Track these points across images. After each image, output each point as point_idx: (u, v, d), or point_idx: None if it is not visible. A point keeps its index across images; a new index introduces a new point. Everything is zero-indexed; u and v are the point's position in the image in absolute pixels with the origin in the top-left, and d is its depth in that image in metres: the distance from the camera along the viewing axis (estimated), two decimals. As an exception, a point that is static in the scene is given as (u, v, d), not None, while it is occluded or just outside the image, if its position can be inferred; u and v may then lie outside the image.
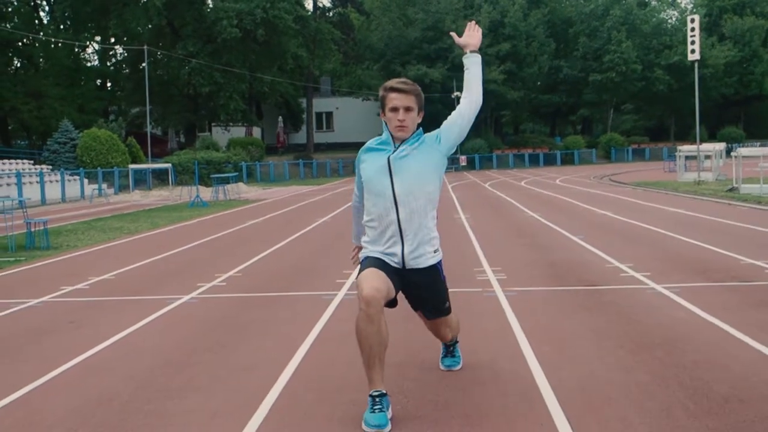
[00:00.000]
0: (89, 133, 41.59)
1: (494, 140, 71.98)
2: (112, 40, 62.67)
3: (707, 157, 32.97)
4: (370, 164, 4.42)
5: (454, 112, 4.49)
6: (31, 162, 39.80)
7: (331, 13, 72.18)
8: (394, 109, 4.31)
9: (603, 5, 74.77)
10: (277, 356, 5.50)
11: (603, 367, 4.98)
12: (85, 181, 36.96)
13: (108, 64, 65.65)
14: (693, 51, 28.64)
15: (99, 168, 38.16)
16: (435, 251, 4.46)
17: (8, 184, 30.95)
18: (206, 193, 31.37)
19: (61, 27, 59.58)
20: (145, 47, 49.01)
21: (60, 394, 4.82)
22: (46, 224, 14.25)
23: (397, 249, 4.35)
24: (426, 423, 4.08)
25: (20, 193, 28.74)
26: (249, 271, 10.03)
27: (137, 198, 34.16)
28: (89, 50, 66.59)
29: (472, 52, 4.51)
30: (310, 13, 65.67)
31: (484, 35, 52.45)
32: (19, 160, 39.18)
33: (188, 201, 27.56)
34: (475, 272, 9.11)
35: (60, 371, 5.34)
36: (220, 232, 15.92)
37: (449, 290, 4.72)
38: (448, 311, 4.72)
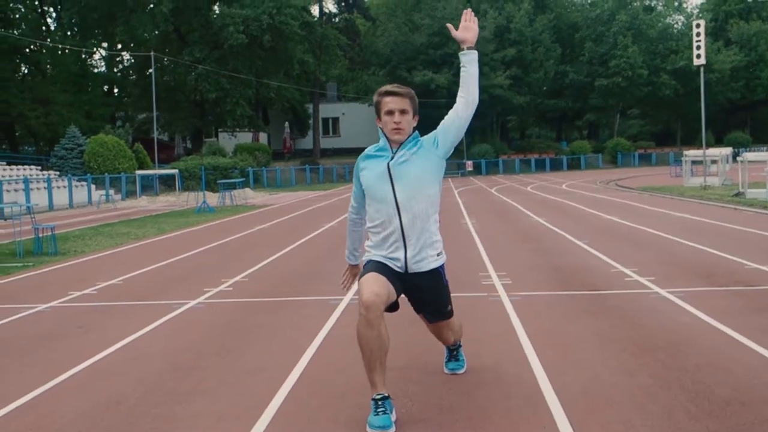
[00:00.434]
0: (96, 139, 41.72)
1: (500, 145, 72.03)
2: (119, 46, 62.95)
3: (713, 161, 32.95)
4: (369, 171, 4.44)
5: (450, 112, 4.49)
6: (39, 168, 39.99)
7: (337, 19, 72.30)
8: (390, 113, 4.34)
9: (609, 10, 74.77)
10: (283, 360, 5.55)
11: (606, 370, 5.02)
12: (93, 186, 37.09)
13: (115, 70, 65.86)
14: (699, 56, 28.64)
15: (106, 174, 38.30)
16: (438, 254, 4.49)
17: (16, 190, 31.08)
18: (213, 198, 31.47)
19: (68, 33, 59.79)
20: (152, 53, 49.16)
21: (68, 398, 4.87)
22: (53, 230, 14.33)
23: (400, 254, 4.38)
24: (430, 426, 4.12)
25: (28, 199, 28.85)
26: (255, 276, 10.09)
27: (144, 204, 34.26)
28: (96, 56, 66.91)
29: (469, 48, 4.48)
30: (316, 19, 65.86)
31: (489, 41, 52.51)
32: (26, 166, 39.38)
33: (195, 207, 27.65)
34: (481, 277, 9.14)
35: (68, 375, 5.39)
36: (226, 237, 15.99)
37: (453, 294, 4.76)
38: (450, 314, 4.74)
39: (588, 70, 73.52)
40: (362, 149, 4.68)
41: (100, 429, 4.28)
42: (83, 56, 59.45)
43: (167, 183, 43.39)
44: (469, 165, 62.43)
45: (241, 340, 6.33)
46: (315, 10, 68.52)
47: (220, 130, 65.64)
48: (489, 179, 51.97)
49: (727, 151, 37.26)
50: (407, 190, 4.33)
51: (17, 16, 57.46)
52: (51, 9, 61.62)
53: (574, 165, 68.99)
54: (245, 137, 64.53)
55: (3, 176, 32.87)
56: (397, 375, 4.84)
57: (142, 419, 4.41)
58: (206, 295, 8.54)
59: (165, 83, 57.89)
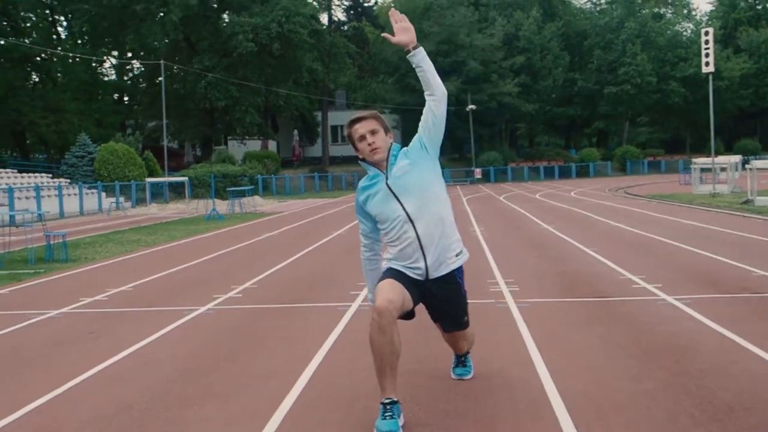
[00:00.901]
0: (107, 146, 41.94)
1: (509, 153, 72.10)
2: (129, 54, 63.28)
3: (722, 169, 32.91)
4: (372, 198, 4.47)
5: (426, 112, 4.47)
6: (50, 175, 40.26)
7: (345, 27, 72.58)
8: (362, 138, 4.41)
9: (618, 18, 74.86)
10: (292, 365, 5.61)
11: (611, 375, 5.06)
12: (103, 194, 37.30)
13: (125, 78, 66.21)
14: (707, 64, 28.62)
15: (116, 181, 38.50)
16: (457, 255, 4.54)
17: (27, 198, 31.29)
18: (222, 206, 31.58)
19: (79, 42, 60.15)
20: (162, 62, 49.42)
21: (79, 403, 4.94)
22: (64, 237, 14.44)
23: (421, 263, 4.43)
24: (437, 430, 4.17)
25: (39, 207, 29.06)
26: (264, 282, 10.15)
27: (154, 211, 34.40)
28: (106, 65, 67.30)
29: (414, 48, 4.45)
30: (325, 27, 66.10)
31: (497, 48, 52.45)
32: (37, 174, 39.66)
33: (204, 214, 27.76)
34: (489, 284, 9.18)
35: (79, 380, 5.46)
36: (236, 244, 16.07)
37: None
38: (466, 325, 4.80)
39: (597, 78, 73.58)
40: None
41: (111, 432, 4.35)
42: (94, 65, 59.86)
43: (177, 190, 43.58)
44: (478, 172, 62.50)
45: (251, 346, 6.40)
46: (324, 19, 68.91)
47: (229, 137, 65.86)
48: (497, 187, 51.98)
49: (736, 158, 37.22)
50: (414, 200, 4.38)
51: (28, 25, 57.85)
52: (62, 18, 62.02)
53: (583, 173, 68.99)
54: (254, 145, 64.72)
55: (14, 184, 33.09)
56: (404, 380, 4.89)
57: (152, 423, 4.48)
58: (216, 302, 8.61)
59: (175, 91, 58.15)
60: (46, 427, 4.49)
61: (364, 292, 8.63)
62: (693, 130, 77.75)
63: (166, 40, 58.30)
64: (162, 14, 55.22)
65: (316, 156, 71.27)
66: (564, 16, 78.41)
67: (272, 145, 67.83)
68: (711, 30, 29.68)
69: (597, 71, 73.81)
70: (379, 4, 79.04)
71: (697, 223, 17.17)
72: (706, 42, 28.88)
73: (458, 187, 53.55)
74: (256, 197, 39.14)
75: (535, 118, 74.91)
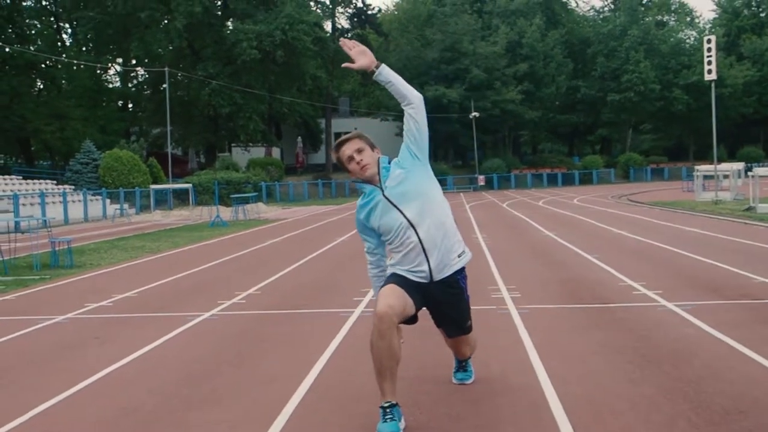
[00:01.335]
0: (111, 153, 42.06)
1: (512, 160, 72.09)
2: (134, 61, 63.57)
3: (725, 176, 32.93)
4: (373, 212, 4.55)
5: (407, 121, 4.54)
6: (54, 182, 40.37)
7: (349, 35, 72.67)
8: (350, 159, 4.51)
9: (621, 25, 74.88)
10: (295, 370, 5.67)
11: (611, 380, 5.12)
12: (107, 201, 37.42)
13: (129, 85, 66.48)
14: (710, 71, 28.69)
15: (121, 188, 38.63)
16: (459, 256, 4.62)
17: (32, 204, 31.41)
18: (226, 212, 31.65)
19: (84, 49, 60.43)
20: (166, 69, 49.59)
21: (85, 406, 5.01)
22: (69, 243, 14.53)
23: (424, 266, 4.51)
24: (437, 433, 4.24)
25: (44, 213, 29.18)
26: (268, 289, 10.22)
27: (158, 218, 34.50)
28: (111, 72, 67.59)
29: (377, 67, 4.47)
30: (328, 34, 66.22)
31: (501, 56, 52.55)
32: (42, 181, 39.79)
33: (208, 221, 27.84)
34: (490, 290, 9.24)
35: (85, 384, 5.53)
36: (239, 251, 16.14)
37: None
38: (469, 330, 4.87)
39: (600, 85, 73.62)
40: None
41: (117, 435, 4.41)
42: (98, 71, 60.09)
43: (181, 197, 43.70)
44: (481, 179, 62.50)
45: (254, 351, 6.47)
46: (328, 26, 69.01)
47: (233, 144, 65.95)
48: (501, 194, 52.02)
49: (739, 165, 37.21)
50: (414, 206, 4.47)
51: (33, 32, 58.19)
52: (66, 25, 62.36)
53: (586, 180, 68.98)
54: (258, 152, 64.81)
55: (20, 190, 33.20)
56: (406, 385, 4.95)
57: (157, 426, 4.55)
58: (220, 307, 8.68)
59: (179, 98, 58.29)
60: (52, 431, 4.56)
61: (367, 299, 8.71)
62: (696, 138, 77.73)
63: (171, 47, 58.53)
64: (166, 21, 55.47)
65: (320, 163, 71.35)
66: (567, 23, 78.50)
67: (276, 152, 67.91)
68: (714, 37, 29.78)
69: (600, 79, 73.85)
70: (383, 11, 79.35)
71: (699, 230, 17.19)
72: (709, 49, 28.96)
73: (461, 194, 53.58)
74: (260, 204, 39.22)
75: (539, 125, 74.93)
